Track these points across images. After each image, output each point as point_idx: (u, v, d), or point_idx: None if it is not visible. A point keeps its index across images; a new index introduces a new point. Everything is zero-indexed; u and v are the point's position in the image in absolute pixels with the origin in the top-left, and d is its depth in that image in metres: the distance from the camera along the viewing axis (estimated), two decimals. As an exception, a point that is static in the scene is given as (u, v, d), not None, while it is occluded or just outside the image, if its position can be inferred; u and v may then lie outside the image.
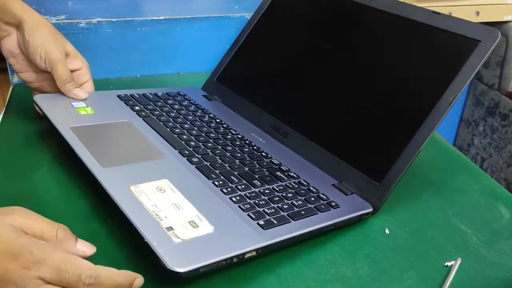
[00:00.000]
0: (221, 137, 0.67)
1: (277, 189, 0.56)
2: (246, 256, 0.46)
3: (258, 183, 0.57)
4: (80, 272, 0.40)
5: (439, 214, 0.60)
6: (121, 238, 0.51)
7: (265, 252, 0.48)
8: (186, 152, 0.61)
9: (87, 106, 0.67)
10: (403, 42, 0.64)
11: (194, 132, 0.67)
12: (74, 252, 0.44)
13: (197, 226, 0.48)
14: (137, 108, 0.70)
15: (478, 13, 1.25)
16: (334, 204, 0.56)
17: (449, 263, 0.52)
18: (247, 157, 0.62)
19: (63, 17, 0.84)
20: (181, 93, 0.79)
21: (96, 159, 0.55)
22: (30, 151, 0.65)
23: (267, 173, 0.60)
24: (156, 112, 0.70)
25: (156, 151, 0.60)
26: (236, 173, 0.58)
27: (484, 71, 1.47)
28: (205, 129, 0.68)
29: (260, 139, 0.68)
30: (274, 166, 0.62)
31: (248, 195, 0.54)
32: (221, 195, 0.54)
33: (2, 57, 0.80)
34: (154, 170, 0.56)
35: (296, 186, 0.58)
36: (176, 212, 0.49)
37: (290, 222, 0.51)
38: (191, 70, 0.94)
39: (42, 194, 0.58)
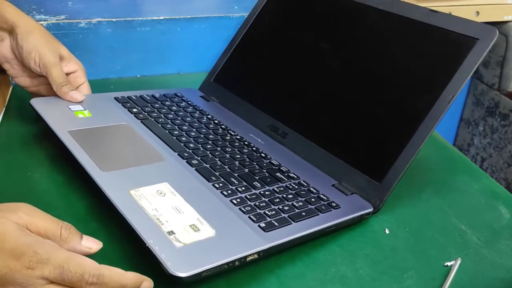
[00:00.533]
0: (220, 138, 0.66)
1: (278, 190, 0.56)
2: (248, 259, 0.46)
3: (258, 184, 0.57)
4: (83, 271, 0.40)
5: (439, 214, 0.60)
6: (121, 238, 0.51)
7: (266, 255, 0.48)
8: (185, 154, 0.61)
9: (85, 109, 0.67)
10: (401, 41, 0.63)
11: (193, 133, 0.67)
12: (79, 249, 0.43)
13: (199, 229, 0.48)
14: (134, 110, 0.70)
15: (478, 13, 1.25)
16: (334, 204, 0.56)
17: (449, 263, 0.52)
18: (247, 158, 0.62)
19: (63, 17, 0.84)
20: (179, 94, 0.79)
21: (95, 163, 0.55)
22: (30, 151, 0.65)
23: (267, 174, 0.60)
24: (154, 114, 0.70)
25: (155, 154, 0.60)
26: (236, 174, 0.58)
27: (484, 71, 1.47)
28: (204, 130, 0.68)
29: (259, 140, 0.68)
30: (274, 167, 0.62)
31: (248, 197, 0.54)
32: (222, 198, 0.54)
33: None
34: (153, 173, 0.56)
35: (296, 187, 0.58)
36: (177, 216, 0.49)
37: (291, 223, 0.51)
38: (191, 70, 0.94)
39: (42, 194, 0.58)
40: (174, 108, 0.74)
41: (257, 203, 0.53)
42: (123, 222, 0.48)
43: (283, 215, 0.52)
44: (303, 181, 0.59)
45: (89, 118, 0.66)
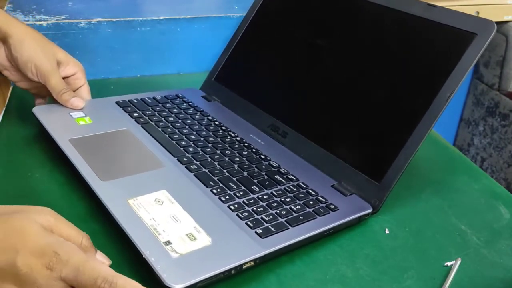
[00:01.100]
0: (220, 141, 0.66)
1: (276, 194, 0.56)
2: (244, 267, 0.47)
3: (257, 188, 0.57)
4: (97, 275, 0.40)
5: (439, 214, 0.60)
6: (121, 239, 0.51)
7: (263, 261, 0.48)
8: (184, 159, 0.61)
9: (86, 116, 0.68)
10: (399, 37, 0.63)
11: (193, 137, 0.67)
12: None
13: (195, 238, 0.48)
14: (135, 114, 0.70)
15: (478, 13, 1.25)
16: (333, 206, 0.55)
17: (449, 263, 0.52)
18: (246, 161, 0.62)
19: (63, 17, 0.84)
20: (180, 95, 0.79)
21: (95, 172, 0.55)
22: (31, 151, 0.65)
23: (266, 177, 0.60)
24: (154, 118, 0.70)
25: (154, 160, 0.60)
26: (234, 179, 0.58)
27: (484, 71, 1.47)
28: (204, 133, 0.68)
29: (259, 140, 0.68)
30: (273, 169, 0.61)
31: (246, 202, 0.54)
32: (219, 204, 0.54)
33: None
34: (152, 180, 0.56)
35: (294, 189, 0.58)
36: (174, 225, 0.49)
37: (289, 228, 0.51)
38: (191, 70, 0.94)
39: (42, 194, 0.58)
40: (175, 110, 0.74)
41: (254, 208, 0.53)
42: (121, 232, 0.48)
43: (280, 220, 0.52)
44: (302, 182, 0.59)
45: (90, 125, 0.66)
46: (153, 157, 0.61)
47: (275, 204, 0.55)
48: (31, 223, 0.41)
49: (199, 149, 0.64)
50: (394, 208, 0.59)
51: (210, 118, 0.73)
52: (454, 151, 0.74)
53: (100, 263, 0.42)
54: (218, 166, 0.61)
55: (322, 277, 0.49)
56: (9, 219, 0.41)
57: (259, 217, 0.52)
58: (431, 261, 0.52)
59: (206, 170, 0.59)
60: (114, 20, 0.85)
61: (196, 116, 0.73)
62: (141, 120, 0.69)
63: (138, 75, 0.91)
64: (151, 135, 0.66)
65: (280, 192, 0.57)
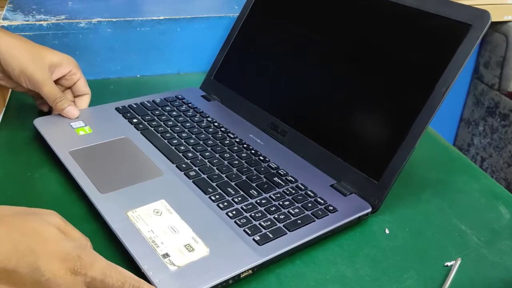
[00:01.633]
0: (219, 143, 0.66)
1: (274, 197, 0.56)
2: (242, 276, 0.47)
3: (255, 192, 0.57)
4: (124, 280, 0.40)
5: (439, 214, 0.60)
6: (120, 241, 0.51)
7: (261, 269, 0.49)
8: (183, 165, 0.61)
9: (86, 125, 0.68)
10: (392, 30, 0.62)
11: (192, 141, 0.67)
12: None
13: (193, 249, 0.48)
14: (135, 120, 0.71)
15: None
16: (331, 208, 0.55)
17: (449, 263, 0.52)
18: (245, 164, 0.62)
19: (63, 17, 0.84)
20: (180, 96, 0.79)
21: (94, 185, 0.56)
22: (30, 151, 0.65)
23: (264, 179, 0.60)
24: (154, 123, 0.70)
25: (153, 169, 0.60)
26: (233, 183, 0.58)
27: (484, 71, 1.47)
28: (203, 135, 0.68)
29: (258, 141, 0.68)
30: (272, 171, 0.61)
31: (244, 207, 0.54)
32: (218, 211, 0.54)
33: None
34: (151, 190, 0.56)
35: (293, 191, 0.58)
36: (173, 236, 0.49)
37: (286, 234, 0.51)
38: (191, 70, 0.94)
39: (42, 194, 0.58)
40: (174, 113, 0.74)
41: (252, 214, 0.53)
42: (120, 246, 0.49)
43: (278, 224, 0.52)
44: (301, 183, 0.59)
45: (90, 135, 0.66)
46: (152, 165, 0.61)
47: (273, 208, 0.55)
48: (48, 225, 0.40)
49: (198, 153, 0.64)
50: (394, 208, 0.59)
51: (209, 119, 0.73)
52: (454, 151, 0.74)
53: (121, 268, 0.41)
54: (217, 171, 0.61)
55: (322, 277, 0.49)
56: (24, 221, 0.40)
57: (257, 223, 0.52)
58: (431, 261, 0.52)
59: (205, 176, 0.59)
60: (114, 20, 0.85)
61: (196, 118, 0.73)
62: (141, 126, 0.69)
63: (138, 75, 0.91)
64: (150, 141, 0.66)
65: (279, 195, 0.57)
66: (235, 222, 0.52)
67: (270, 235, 0.51)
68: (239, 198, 0.56)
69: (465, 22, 0.55)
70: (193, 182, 0.58)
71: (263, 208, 0.55)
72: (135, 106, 0.74)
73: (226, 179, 0.59)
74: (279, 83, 0.73)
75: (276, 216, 0.53)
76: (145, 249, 0.48)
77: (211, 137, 0.68)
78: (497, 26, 1.41)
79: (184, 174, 0.60)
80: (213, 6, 0.96)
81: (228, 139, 0.68)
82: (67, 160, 0.60)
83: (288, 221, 0.53)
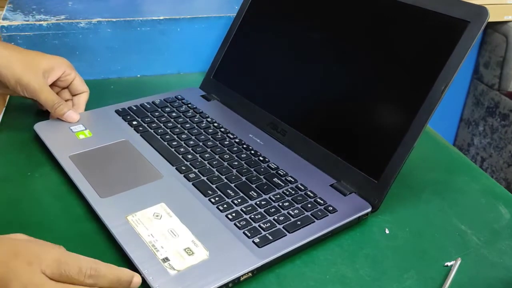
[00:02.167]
0: (219, 144, 0.66)
1: (274, 199, 0.56)
2: (242, 278, 0.47)
3: (255, 194, 0.57)
4: (80, 264, 0.41)
5: (439, 214, 0.60)
6: (120, 244, 0.51)
7: (261, 271, 0.49)
8: (183, 168, 0.61)
9: (86, 129, 0.68)
10: (391, 28, 0.62)
11: (192, 142, 0.67)
12: None
13: (193, 253, 0.48)
14: (134, 123, 0.71)
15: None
16: (331, 208, 0.55)
17: (449, 263, 0.52)
18: (245, 164, 0.62)
19: (63, 17, 0.84)
20: (179, 96, 0.79)
21: (94, 189, 0.56)
22: (31, 151, 0.65)
23: (264, 180, 0.60)
24: (153, 125, 0.70)
25: (153, 172, 0.60)
26: (233, 185, 0.58)
27: (484, 71, 1.47)
28: (203, 137, 0.68)
29: (258, 140, 0.68)
30: (272, 171, 0.61)
31: (244, 209, 0.54)
32: (217, 213, 0.54)
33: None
34: (151, 194, 0.56)
35: (293, 192, 0.58)
36: (172, 240, 0.50)
37: (286, 235, 0.51)
38: (191, 70, 0.94)
39: (42, 193, 0.58)
40: (174, 114, 0.74)
41: (252, 216, 0.53)
42: (121, 250, 0.49)
43: (278, 226, 0.52)
44: (301, 184, 0.59)
45: (90, 139, 0.66)
46: (152, 168, 0.61)
47: (273, 209, 0.55)
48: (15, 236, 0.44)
49: (197, 155, 0.64)
50: (394, 208, 0.59)
51: (209, 119, 0.73)
52: (454, 151, 0.74)
53: (77, 254, 0.42)
54: (216, 172, 0.61)
55: (322, 277, 0.49)
56: None
57: (256, 225, 0.52)
58: (431, 261, 0.52)
59: (205, 178, 0.59)
60: (114, 20, 0.85)
61: (195, 119, 0.73)
62: (140, 128, 0.69)
63: (138, 75, 0.91)
64: (150, 144, 0.66)
65: (279, 196, 0.57)
66: (235, 224, 0.52)
67: (270, 237, 0.51)
68: (239, 200, 0.56)
69: (463, 18, 0.54)
70: (192, 184, 0.58)
71: (263, 209, 0.55)
72: (134, 108, 0.74)
73: (225, 180, 0.59)
74: (279, 82, 0.73)
75: (276, 217, 0.53)
76: (145, 254, 0.48)
77: (211, 138, 0.68)
78: (497, 26, 1.41)
79: (184, 176, 0.60)
80: (213, 6, 0.96)
81: (227, 139, 0.68)
82: (67, 164, 0.60)
83: (287, 222, 0.53)
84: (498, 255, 0.54)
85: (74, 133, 0.67)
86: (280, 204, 0.56)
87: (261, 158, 0.64)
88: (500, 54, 1.41)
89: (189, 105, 0.76)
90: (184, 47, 0.91)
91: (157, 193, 0.56)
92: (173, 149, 0.65)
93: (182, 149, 0.65)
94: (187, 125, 0.71)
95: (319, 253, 0.52)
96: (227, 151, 0.65)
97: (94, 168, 0.60)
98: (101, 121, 0.71)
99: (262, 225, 0.52)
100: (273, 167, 0.62)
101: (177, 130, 0.70)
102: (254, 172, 0.61)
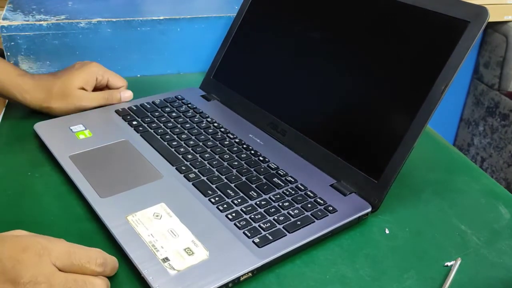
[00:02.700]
0: (219, 144, 0.66)
1: (274, 199, 0.56)
2: (242, 278, 0.47)
3: (255, 194, 0.57)
4: (89, 254, 0.43)
5: (439, 214, 0.60)
6: (120, 244, 0.51)
7: (261, 271, 0.49)
8: (183, 168, 0.61)
9: (86, 129, 0.68)
10: (390, 28, 0.61)
11: (192, 142, 0.67)
12: None
13: (193, 253, 0.48)
14: (134, 123, 0.71)
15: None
16: (331, 209, 0.55)
17: (449, 263, 0.52)
18: (245, 165, 0.62)
19: (63, 17, 0.84)
20: (179, 97, 0.79)
21: (94, 189, 0.56)
22: (31, 150, 0.65)
23: (264, 180, 0.60)
24: (153, 125, 0.70)
25: (153, 172, 0.60)
26: (233, 185, 0.58)
27: (484, 71, 1.47)
28: (203, 137, 0.68)
29: (258, 140, 0.68)
30: (272, 171, 0.61)
31: (244, 209, 0.54)
32: (217, 213, 0.54)
33: (2, 55, 0.80)
34: (151, 194, 0.56)
35: (293, 192, 0.58)
36: (172, 240, 0.50)
37: (286, 235, 0.51)
38: (191, 70, 0.94)
39: (43, 193, 0.58)
40: (174, 114, 0.74)
41: (252, 216, 0.53)
42: (121, 250, 0.49)
43: (278, 226, 0.52)
44: (301, 184, 0.59)
45: (90, 139, 0.66)
46: (152, 168, 0.61)
47: (273, 209, 0.55)
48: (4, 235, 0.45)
49: (197, 155, 0.64)
50: (394, 208, 0.59)
51: (209, 119, 0.73)
52: (454, 151, 0.74)
53: (86, 247, 0.45)
54: (216, 172, 0.61)
55: (322, 277, 0.49)
56: None
57: (256, 225, 0.52)
58: (431, 261, 0.52)
59: (205, 178, 0.59)
60: (114, 20, 0.85)
61: (195, 119, 0.73)
62: (140, 128, 0.69)
63: (138, 75, 0.91)
64: (150, 144, 0.66)
65: (279, 196, 0.57)
66: (235, 224, 0.52)
67: (270, 237, 0.51)
68: (239, 200, 0.56)
69: (463, 18, 0.54)
70: (192, 184, 0.58)
71: (263, 209, 0.55)
72: (134, 108, 0.74)
73: (225, 180, 0.59)
74: (279, 82, 0.73)
75: (276, 217, 0.53)
76: (145, 254, 0.48)
77: (211, 138, 0.68)
78: (497, 26, 1.41)
79: (184, 176, 0.60)
80: (213, 6, 0.96)
81: (227, 139, 0.68)
82: (67, 165, 0.60)
83: (287, 222, 0.53)
84: (498, 255, 0.54)
85: (74, 133, 0.67)
86: (280, 204, 0.56)
87: (261, 158, 0.64)
88: (500, 54, 1.41)
89: (189, 105, 0.76)
90: (184, 47, 0.91)
91: (157, 193, 0.56)
92: (173, 149, 0.65)
93: (182, 149, 0.65)
94: (187, 125, 0.71)
95: (319, 253, 0.52)
96: (227, 151, 0.65)
97: (94, 168, 0.60)
98: (101, 121, 0.71)
99: (262, 225, 0.52)
100: (273, 167, 0.62)
101: (177, 130, 0.70)
102: (254, 172, 0.61)
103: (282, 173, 0.61)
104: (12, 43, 0.81)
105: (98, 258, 0.43)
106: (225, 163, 0.62)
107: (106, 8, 0.89)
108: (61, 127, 0.68)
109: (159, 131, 0.69)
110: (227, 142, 0.67)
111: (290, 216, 0.54)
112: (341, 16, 0.67)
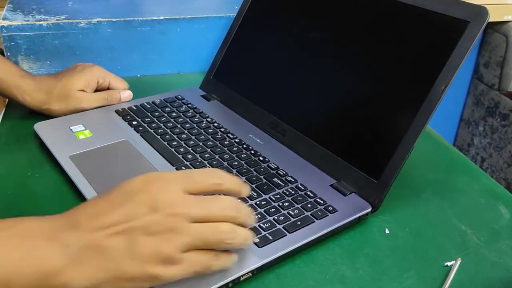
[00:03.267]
0: (219, 144, 0.66)
1: (274, 199, 0.56)
2: (242, 278, 0.47)
3: (255, 194, 0.57)
4: (203, 172, 0.45)
5: (439, 214, 0.60)
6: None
7: (261, 271, 0.48)
8: (183, 168, 0.61)
9: (86, 129, 0.68)
10: (390, 28, 0.61)
11: (192, 142, 0.67)
12: None
13: None
14: (134, 123, 0.71)
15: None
16: (331, 209, 0.55)
17: (449, 263, 0.52)
18: (245, 165, 0.62)
19: (63, 17, 0.84)
20: (179, 96, 0.79)
21: (95, 189, 0.56)
22: (31, 150, 0.65)
23: (264, 180, 0.60)
24: (153, 125, 0.70)
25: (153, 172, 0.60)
26: None
27: (484, 71, 1.47)
28: (203, 137, 0.68)
29: (258, 140, 0.68)
30: (272, 171, 0.61)
31: None
32: None
33: (2, 55, 0.80)
34: None
35: (293, 192, 0.58)
36: None
37: (286, 235, 0.51)
38: (191, 70, 0.94)
39: (43, 193, 0.58)
40: (174, 114, 0.74)
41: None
42: None
43: (278, 226, 0.52)
44: (301, 184, 0.59)
45: (90, 139, 0.66)
46: (152, 168, 0.61)
47: (273, 210, 0.55)
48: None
49: (197, 155, 0.64)
50: (394, 208, 0.59)
51: (209, 119, 0.73)
52: (454, 151, 0.74)
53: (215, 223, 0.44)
54: None
55: (322, 277, 0.49)
56: None
57: (256, 225, 0.52)
58: (431, 261, 0.52)
59: None
60: (114, 20, 0.85)
61: (195, 119, 0.73)
62: (140, 128, 0.69)
63: (138, 75, 0.91)
64: (150, 144, 0.66)
65: (279, 196, 0.57)
66: None
67: (270, 237, 0.51)
68: (239, 200, 0.56)
69: (463, 18, 0.54)
70: None
71: (263, 209, 0.55)
72: (134, 108, 0.74)
73: None
74: (279, 82, 0.73)
75: (276, 217, 0.53)
76: None
77: (211, 138, 0.68)
78: (497, 26, 1.41)
79: None
80: (213, 6, 0.96)
81: (227, 139, 0.68)
82: (67, 165, 0.60)
83: (287, 222, 0.53)
84: (498, 255, 0.54)
85: (74, 133, 0.67)
86: (280, 204, 0.56)
87: (261, 158, 0.64)
88: (500, 54, 1.41)
89: (189, 105, 0.77)
90: (184, 47, 0.91)
91: None
92: (173, 149, 0.65)
93: (182, 149, 0.65)
94: (187, 125, 0.71)
95: (319, 253, 0.52)
96: (227, 151, 0.65)
97: (95, 168, 0.60)
98: (101, 121, 0.71)
99: (262, 225, 0.52)
100: (273, 167, 0.62)
101: (177, 130, 0.70)
102: (254, 172, 0.61)
103: (282, 173, 0.61)
104: (12, 43, 0.81)
105: (212, 171, 0.45)
106: (225, 163, 0.62)
107: (106, 8, 0.89)
108: (61, 127, 0.68)
109: (159, 131, 0.69)
110: (227, 142, 0.67)
111: (290, 216, 0.54)
112: (341, 16, 0.67)
